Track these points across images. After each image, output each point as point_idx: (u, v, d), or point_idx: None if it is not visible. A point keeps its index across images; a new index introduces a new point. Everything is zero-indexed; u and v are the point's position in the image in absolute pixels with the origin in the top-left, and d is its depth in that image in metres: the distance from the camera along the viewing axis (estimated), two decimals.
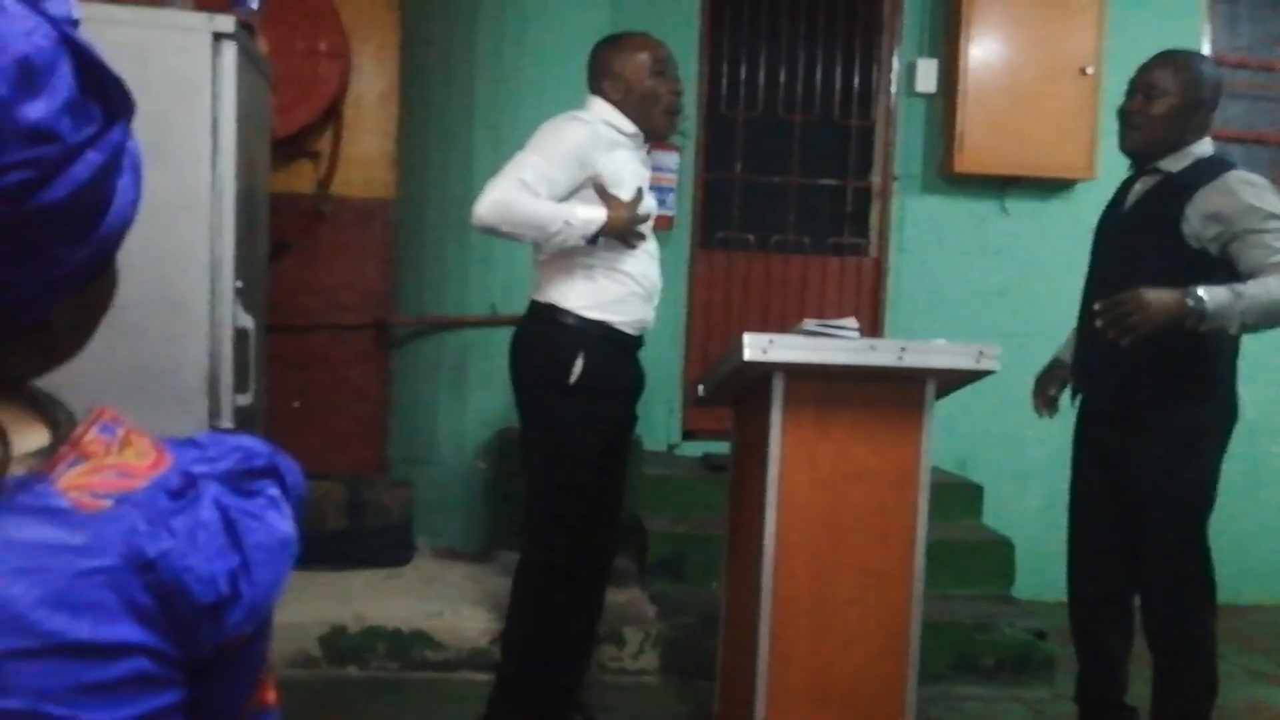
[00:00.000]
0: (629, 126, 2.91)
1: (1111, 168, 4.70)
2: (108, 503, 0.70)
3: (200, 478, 0.73)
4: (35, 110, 0.64)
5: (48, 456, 0.70)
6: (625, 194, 2.83)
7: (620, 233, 2.80)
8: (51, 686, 0.67)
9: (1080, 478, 3.08)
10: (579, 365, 2.81)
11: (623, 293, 2.88)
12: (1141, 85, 2.83)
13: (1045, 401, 3.18)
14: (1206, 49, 4.89)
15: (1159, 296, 2.46)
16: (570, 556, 2.87)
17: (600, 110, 2.91)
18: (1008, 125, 4.63)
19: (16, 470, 0.69)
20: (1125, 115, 2.88)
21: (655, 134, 3.00)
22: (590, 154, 2.80)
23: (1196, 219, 2.67)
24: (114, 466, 0.72)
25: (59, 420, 0.72)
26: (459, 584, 4.01)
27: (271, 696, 0.84)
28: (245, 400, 2.95)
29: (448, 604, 3.79)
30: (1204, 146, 2.82)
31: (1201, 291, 2.44)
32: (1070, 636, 3.15)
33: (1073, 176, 4.71)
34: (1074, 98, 4.59)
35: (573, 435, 2.86)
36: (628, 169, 2.88)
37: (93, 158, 0.66)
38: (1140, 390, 2.80)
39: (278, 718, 0.86)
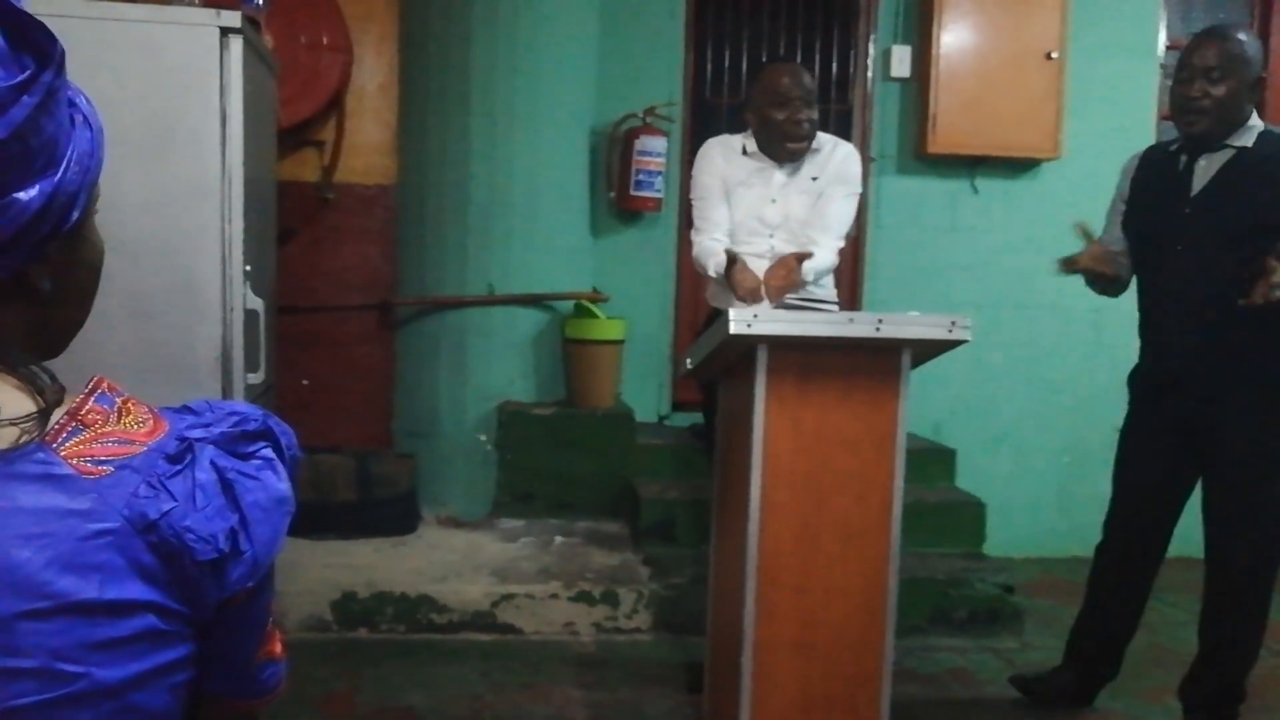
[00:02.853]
0: (751, 145, 3.14)
1: (1075, 148, 4.71)
2: (109, 469, 0.70)
3: (196, 442, 0.73)
4: None
5: (37, 423, 0.70)
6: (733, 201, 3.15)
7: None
8: (63, 645, 0.67)
9: (1146, 446, 2.94)
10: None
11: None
12: (1199, 70, 2.64)
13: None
14: (1163, 35, 4.87)
15: None
16: None
17: (743, 134, 3.17)
18: (978, 108, 4.62)
19: (4, 436, 0.68)
20: (1188, 101, 2.66)
21: (775, 157, 3.12)
22: (719, 171, 3.13)
23: None
24: (113, 434, 0.72)
25: (43, 388, 0.72)
26: (462, 550, 4.00)
27: (279, 649, 0.85)
28: (256, 379, 2.94)
29: (451, 569, 3.79)
30: (1256, 117, 2.72)
31: None
32: (1089, 587, 3.10)
33: (1039, 156, 4.70)
34: (1040, 82, 4.58)
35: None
36: (736, 178, 3.13)
37: (28, 100, 0.69)
38: (1228, 363, 2.72)
39: (285, 669, 0.86)
